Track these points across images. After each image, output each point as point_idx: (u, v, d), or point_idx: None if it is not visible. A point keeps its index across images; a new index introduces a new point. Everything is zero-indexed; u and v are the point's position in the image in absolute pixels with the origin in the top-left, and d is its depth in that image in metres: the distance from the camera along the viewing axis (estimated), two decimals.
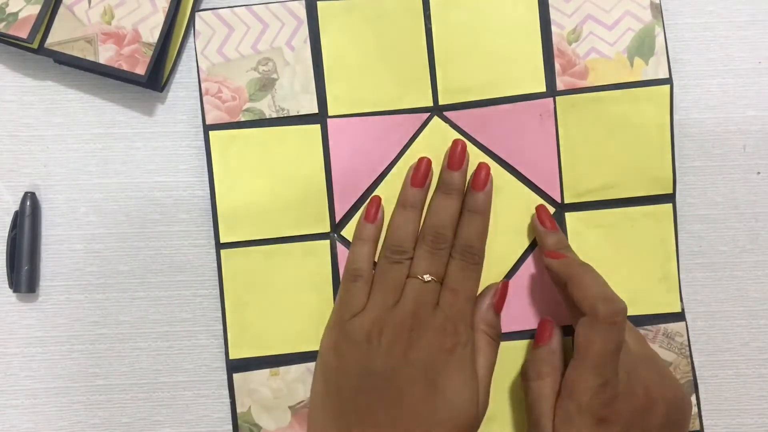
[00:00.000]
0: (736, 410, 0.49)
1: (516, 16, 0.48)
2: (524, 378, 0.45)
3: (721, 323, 0.49)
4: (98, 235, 0.49)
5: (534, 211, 0.48)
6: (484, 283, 0.47)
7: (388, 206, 0.48)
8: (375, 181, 0.48)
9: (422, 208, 0.47)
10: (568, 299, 0.44)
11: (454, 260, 0.45)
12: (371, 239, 0.47)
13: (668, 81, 0.48)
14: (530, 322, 0.48)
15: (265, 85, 0.48)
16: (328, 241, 0.48)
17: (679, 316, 0.48)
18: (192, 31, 0.48)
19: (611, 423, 0.40)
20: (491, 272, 0.48)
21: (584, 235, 0.48)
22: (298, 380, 0.48)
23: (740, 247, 0.49)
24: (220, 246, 0.48)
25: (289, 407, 0.48)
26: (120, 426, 0.48)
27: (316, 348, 0.47)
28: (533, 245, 0.48)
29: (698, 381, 0.48)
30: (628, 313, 0.44)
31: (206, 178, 0.48)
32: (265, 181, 0.48)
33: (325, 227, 0.48)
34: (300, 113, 0.48)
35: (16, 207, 0.48)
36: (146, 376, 0.48)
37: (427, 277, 0.45)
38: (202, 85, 0.48)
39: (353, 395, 0.44)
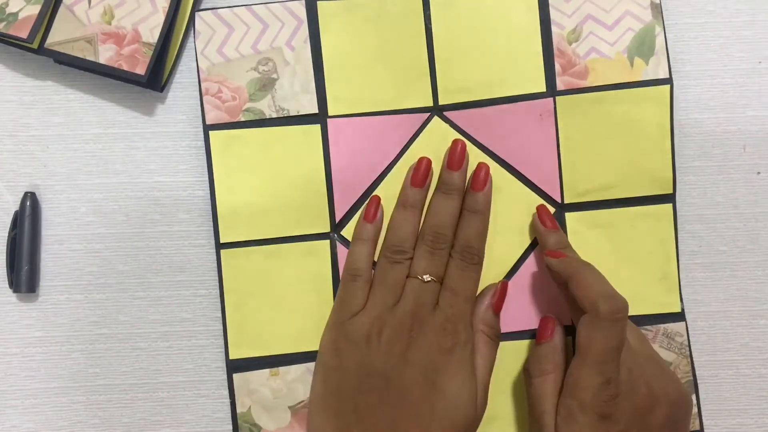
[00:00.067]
0: (736, 410, 0.49)
1: (516, 16, 0.48)
2: (526, 375, 0.45)
3: (721, 323, 0.49)
4: (98, 235, 0.49)
5: (534, 210, 0.48)
6: (484, 283, 0.47)
7: (388, 206, 0.48)
8: (375, 181, 0.48)
9: (422, 208, 0.47)
10: (569, 298, 0.44)
11: (454, 260, 0.46)
12: (371, 239, 0.47)
13: (668, 81, 0.48)
14: (531, 322, 0.48)
15: (265, 85, 0.48)
16: (328, 241, 0.48)
17: (679, 316, 0.48)
18: (192, 31, 0.48)
19: (613, 421, 0.40)
20: (491, 272, 0.48)
21: (584, 235, 0.48)
22: (298, 380, 0.48)
23: (740, 247, 0.49)
24: (220, 246, 0.48)
25: (289, 407, 0.48)
26: (120, 426, 0.48)
27: (316, 348, 0.47)
28: (533, 245, 0.48)
29: (698, 381, 0.48)
30: (628, 313, 0.44)
31: (206, 178, 0.48)
32: (265, 181, 0.48)
33: (325, 227, 0.48)
34: (300, 113, 0.48)
35: (16, 207, 0.48)
36: (146, 376, 0.48)
37: (426, 277, 0.45)
38: (202, 85, 0.48)
39: (353, 395, 0.44)
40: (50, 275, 0.49)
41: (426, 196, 0.47)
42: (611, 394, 0.40)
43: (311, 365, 0.48)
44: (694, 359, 0.48)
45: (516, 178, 0.48)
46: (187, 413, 0.49)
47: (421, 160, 0.47)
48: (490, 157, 0.48)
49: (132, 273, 0.49)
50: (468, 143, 0.48)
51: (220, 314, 0.48)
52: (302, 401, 0.48)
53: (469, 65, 0.48)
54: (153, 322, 0.48)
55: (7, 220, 0.48)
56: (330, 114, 0.48)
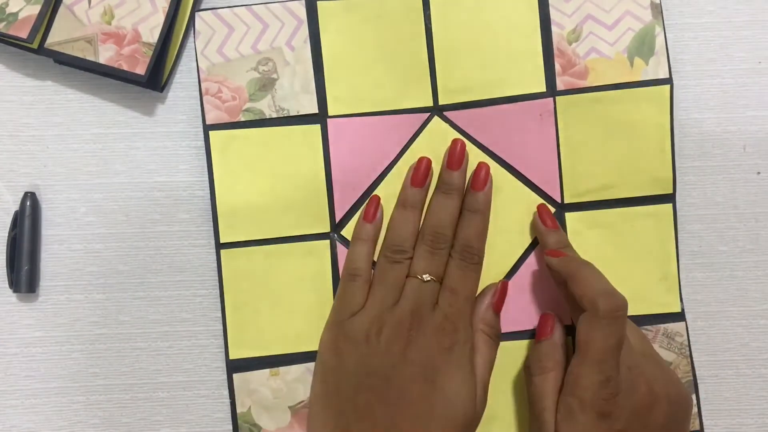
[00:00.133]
0: (735, 410, 0.49)
1: (516, 15, 0.48)
2: (527, 373, 0.45)
3: (721, 323, 0.49)
4: (98, 235, 0.49)
5: (534, 210, 0.48)
6: (484, 283, 0.47)
7: (389, 206, 0.48)
8: (375, 180, 0.48)
9: (422, 208, 0.47)
10: (569, 298, 0.44)
11: (454, 260, 0.46)
12: (370, 239, 0.47)
13: (668, 81, 0.48)
14: (531, 322, 0.48)
15: (265, 85, 0.48)
16: (328, 241, 0.48)
17: (679, 316, 0.48)
18: (192, 31, 0.48)
19: (613, 419, 0.40)
20: (492, 272, 0.48)
21: (584, 235, 0.48)
22: (298, 380, 0.48)
23: (740, 247, 0.49)
24: (220, 246, 0.48)
25: (289, 407, 0.48)
26: (120, 426, 0.48)
27: (316, 348, 0.47)
28: (534, 245, 0.48)
29: (698, 381, 0.48)
30: (628, 313, 0.44)
31: (206, 178, 0.48)
32: (265, 181, 0.48)
33: (325, 227, 0.48)
34: (300, 113, 0.48)
35: (16, 207, 0.48)
36: (146, 376, 0.48)
37: (426, 277, 0.45)
38: (202, 85, 0.48)
39: (352, 394, 0.44)
40: (50, 275, 0.49)
41: (426, 196, 0.47)
42: (611, 393, 0.40)
43: (311, 365, 0.48)
44: (694, 359, 0.48)
45: (516, 178, 0.48)
46: (187, 413, 0.49)
47: (420, 159, 0.47)
48: (490, 157, 0.48)
49: (132, 273, 0.49)
50: (468, 143, 0.48)
51: (220, 314, 0.48)
52: (302, 401, 0.48)
53: (469, 65, 0.48)
54: (153, 322, 0.48)
55: (7, 220, 0.48)
56: (330, 114, 0.48)
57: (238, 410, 0.48)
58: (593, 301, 0.41)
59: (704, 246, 0.49)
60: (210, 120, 0.48)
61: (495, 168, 0.48)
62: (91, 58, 0.46)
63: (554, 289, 0.47)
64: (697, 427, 0.48)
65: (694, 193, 0.49)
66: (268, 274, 0.48)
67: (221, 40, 0.48)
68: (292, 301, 0.48)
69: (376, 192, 0.48)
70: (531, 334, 0.48)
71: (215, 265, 0.48)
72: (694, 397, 0.48)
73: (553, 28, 0.48)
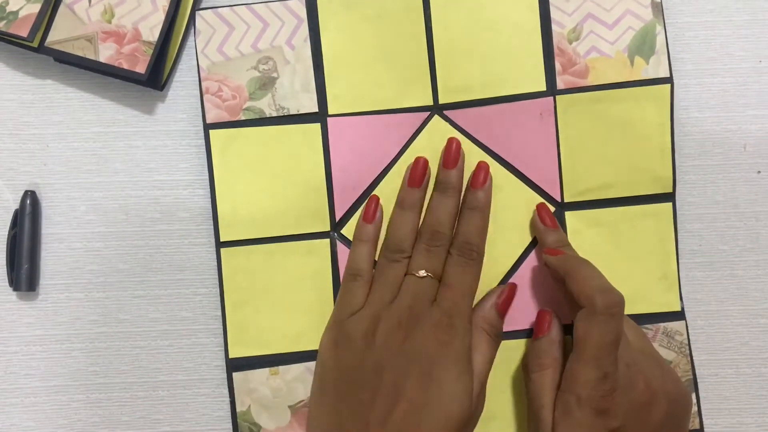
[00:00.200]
0: (735, 409, 0.49)
1: (516, 14, 0.48)
2: (525, 370, 0.45)
3: (721, 322, 0.49)
4: (98, 234, 0.49)
5: (534, 209, 0.48)
6: (483, 282, 0.47)
7: (389, 205, 0.48)
8: (375, 179, 0.48)
9: (420, 208, 0.47)
10: (568, 296, 0.44)
11: (452, 257, 0.46)
12: (371, 239, 0.47)
13: (669, 80, 0.48)
14: (530, 321, 0.48)
15: (266, 83, 0.48)
16: (328, 240, 0.48)
17: (679, 315, 0.48)
18: (192, 30, 0.48)
19: (611, 415, 0.40)
20: (491, 271, 0.48)
21: (584, 234, 0.48)
22: (298, 380, 0.48)
23: (740, 246, 0.49)
24: (220, 245, 0.48)
25: (289, 407, 0.48)
26: (120, 424, 0.48)
27: (316, 347, 0.47)
28: (533, 244, 0.48)
29: (698, 380, 0.48)
30: (628, 312, 0.44)
31: (206, 177, 0.48)
32: (265, 179, 0.48)
33: (325, 226, 0.48)
34: (300, 112, 0.48)
35: (16, 205, 0.48)
36: (146, 374, 0.48)
37: (422, 273, 0.45)
38: (203, 84, 0.48)
39: (349, 391, 0.44)
40: (50, 274, 0.49)
41: (424, 196, 0.47)
42: (608, 389, 0.40)
43: (311, 364, 0.48)
44: (693, 358, 0.48)
45: (516, 176, 0.48)
46: (187, 412, 0.49)
47: (417, 160, 0.47)
48: (491, 156, 0.48)
49: (132, 271, 0.49)
50: (468, 142, 0.48)
51: (219, 313, 0.48)
52: (302, 400, 0.48)
53: (470, 64, 0.48)
54: (153, 320, 0.48)
55: (7, 219, 0.48)
56: (330, 113, 0.48)
57: (238, 409, 0.48)
58: (590, 297, 0.41)
59: (704, 245, 0.49)
60: (210, 119, 0.48)
61: (495, 167, 0.48)
62: (91, 56, 0.46)
63: (553, 287, 0.47)
64: (697, 426, 0.48)
65: (695, 192, 0.49)
66: (268, 273, 0.48)
67: (221, 39, 0.48)
68: (292, 300, 0.48)
69: (376, 191, 0.48)
70: (530, 333, 0.48)
71: (215, 263, 0.48)
72: (693, 396, 0.48)
73: (554, 27, 0.48)
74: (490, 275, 0.48)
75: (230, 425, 0.48)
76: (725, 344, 0.49)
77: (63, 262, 0.49)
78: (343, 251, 0.48)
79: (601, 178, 0.48)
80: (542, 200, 0.48)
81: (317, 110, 0.48)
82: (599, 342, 0.40)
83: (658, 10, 0.48)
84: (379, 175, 0.48)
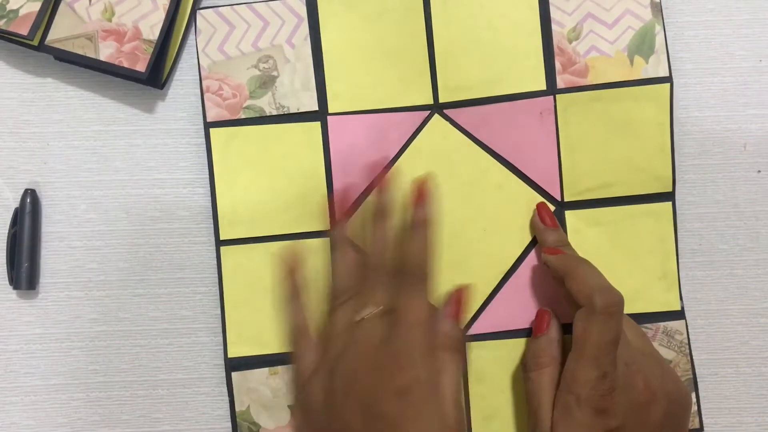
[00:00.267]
0: (735, 408, 0.49)
1: (516, 14, 0.48)
2: (524, 369, 0.45)
3: (721, 321, 0.49)
4: (98, 233, 0.49)
5: (534, 208, 0.48)
6: (484, 283, 0.47)
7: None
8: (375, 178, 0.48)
9: (351, 243, 0.44)
10: (567, 295, 0.44)
11: (399, 283, 0.42)
12: (298, 293, 0.44)
13: (668, 79, 0.48)
14: (531, 320, 0.48)
15: (266, 82, 0.48)
16: (328, 240, 0.48)
17: (679, 315, 0.48)
18: (192, 29, 0.48)
19: (610, 415, 0.40)
20: (492, 271, 0.48)
21: (584, 233, 0.48)
22: None
23: (740, 245, 0.49)
24: (220, 243, 0.48)
25: (288, 406, 0.48)
26: (119, 423, 0.48)
27: None
28: (534, 243, 0.48)
29: (698, 379, 0.48)
30: (628, 312, 0.44)
31: (206, 176, 0.48)
32: (265, 178, 0.48)
33: (325, 225, 0.48)
34: (300, 110, 0.48)
35: (16, 204, 0.48)
36: (146, 373, 0.48)
37: (367, 313, 0.41)
38: (203, 83, 0.48)
39: None
40: (50, 272, 0.49)
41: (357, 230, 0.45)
42: (607, 389, 0.40)
43: None
44: (693, 357, 0.48)
45: (516, 176, 0.48)
46: (187, 411, 0.48)
47: (337, 192, 0.46)
48: (491, 154, 0.48)
49: (132, 270, 0.49)
50: (468, 141, 0.48)
51: (219, 312, 0.48)
52: None
53: (470, 63, 0.48)
54: (153, 319, 0.48)
55: (8, 217, 0.48)
56: (330, 111, 0.48)
57: (237, 408, 0.48)
58: (589, 297, 0.41)
59: (704, 244, 0.49)
60: (211, 117, 0.48)
61: (495, 166, 0.48)
62: (91, 55, 0.46)
63: (553, 287, 0.47)
64: (697, 425, 0.48)
65: (694, 192, 0.49)
66: (268, 272, 0.48)
67: (222, 38, 0.48)
68: None
69: (376, 189, 0.48)
70: (529, 332, 0.48)
71: (215, 262, 0.48)
72: (693, 395, 0.48)
73: (554, 27, 0.48)
74: (491, 275, 0.48)
75: (230, 424, 0.48)
76: (725, 344, 0.49)
77: (63, 261, 0.49)
78: None
79: (601, 178, 0.48)
80: (542, 199, 0.48)
81: (317, 109, 0.48)
82: (598, 341, 0.40)
83: (658, 9, 0.48)
84: (379, 174, 0.48)
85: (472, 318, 0.48)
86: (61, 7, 0.47)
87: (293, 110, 0.48)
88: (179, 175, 0.49)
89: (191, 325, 0.49)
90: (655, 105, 0.48)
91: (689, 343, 0.48)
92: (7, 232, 0.48)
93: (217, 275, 0.48)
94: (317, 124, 0.48)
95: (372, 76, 0.48)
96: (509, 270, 0.48)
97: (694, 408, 0.48)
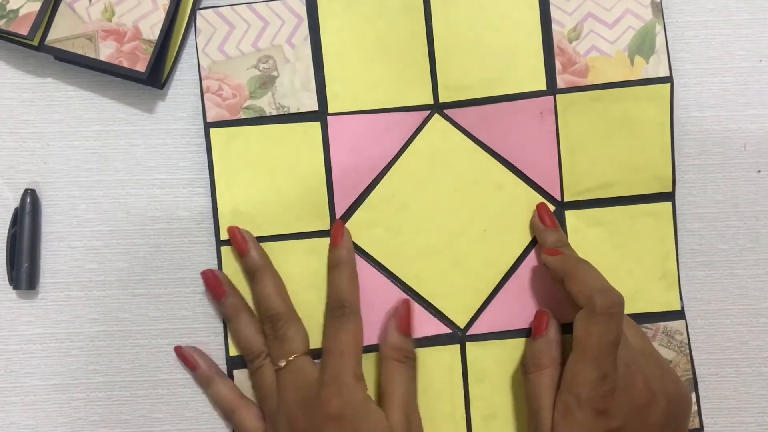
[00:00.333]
0: (735, 408, 0.49)
1: (517, 13, 0.48)
2: (523, 371, 0.45)
3: (721, 321, 0.49)
4: (98, 233, 0.49)
5: (534, 208, 0.48)
6: (484, 283, 0.47)
7: (386, 205, 0.48)
8: (375, 178, 0.48)
9: (245, 307, 0.47)
10: (567, 296, 0.44)
11: (326, 319, 0.46)
12: (214, 374, 0.47)
13: (669, 79, 0.48)
14: (531, 321, 0.48)
15: (266, 82, 0.48)
16: (327, 239, 0.48)
17: (679, 315, 0.48)
18: (192, 29, 0.48)
19: (611, 416, 0.40)
20: (492, 271, 0.48)
21: (584, 233, 0.48)
22: None
23: (740, 245, 0.49)
24: (220, 243, 0.48)
25: None
26: (120, 423, 0.48)
27: (316, 345, 0.47)
28: (534, 243, 0.48)
29: (698, 379, 0.48)
30: (628, 312, 0.44)
31: (206, 176, 0.48)
32: (265, 178, 0.48)
33: (325, 224, 0.48)
34: (300, 110, 0.48)
35: (16, 204, 0.48)
36: (146, 373, 0.48)
37: (282, 363, 0.45)
38: (203, 83, 0.48)
39: None
40: (50, 272, 0.49)
41: (240, 297, 0.47)
42: (608, 390, 0.40)
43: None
44: (693, 357, 0.48)
45: (516, 176, 0.48)
46: (187, 410, 0.48)
47: (205, 275, 0.47)
48: (491, 154, 0.48)
49: (132, 270, 0.49)
50: (468, 141, 0.48)
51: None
52: None
53: (470, 63, 0.48)
54: (153, 319, 0.48)
55: (7, 217, 0.48)
56: (330, 111, 0.48)
57: None
58: (589, 297, 0.41)
59: (704, 244, 0.49)
60: (211, 117, 0.48)
61: (495, 166, 0.48)
62: (91, 55, 0.46)
63: (553, 287, 0.47)
64: (697, 426, 0.48)
65: (694, 192, 0.49)
66: None
67: (222, 38, 0.48)
68: (291, 299, 0.48)
69: (376, 190, 0.48)
70: (530, 332, 0.48)
71: (215, 262, 0.48)
72: (693, 395, 0.48)
73: (554, 26, 0.48)
74: (490, 275, 0.48)
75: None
76: (725, 344, 0.49)
77: (63, 261, 0.49)
78: None
79: (601, 178, 0.48)
80: (542, 199, 0.48)
81: (317, 108, 0.48)
82: (599, 342, 0.40)
83: (658, 9, 0.48)
84: (379, 173, 0.48)
85: (472, 318, 0.48)
86: (61, 7, 0.47)
87: (293, 110, 0.48)
88: (179, 175, 0.49)
89: (191, 325, 0.49)
90: (656, 105, 0.48)
91: (689, 343, 0.48)
92: (7, 232, 0.48)
93: None
94: (317, 124, 0.48)
95: (372, 76, 0.48)
96: (509, 270, 0.48)
97: (694, 408, 0.48)
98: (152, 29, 0.47)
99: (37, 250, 0.48)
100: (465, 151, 0.48)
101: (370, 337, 0.47)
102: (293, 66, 0.48)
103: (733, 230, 0.49)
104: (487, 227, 0.48)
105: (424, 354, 0.47)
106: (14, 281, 0.48)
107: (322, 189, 0.48)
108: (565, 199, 0.48)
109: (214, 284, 0.47)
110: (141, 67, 0.46)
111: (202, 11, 0.48)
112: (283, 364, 0.45)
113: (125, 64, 0.46)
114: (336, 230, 0.47)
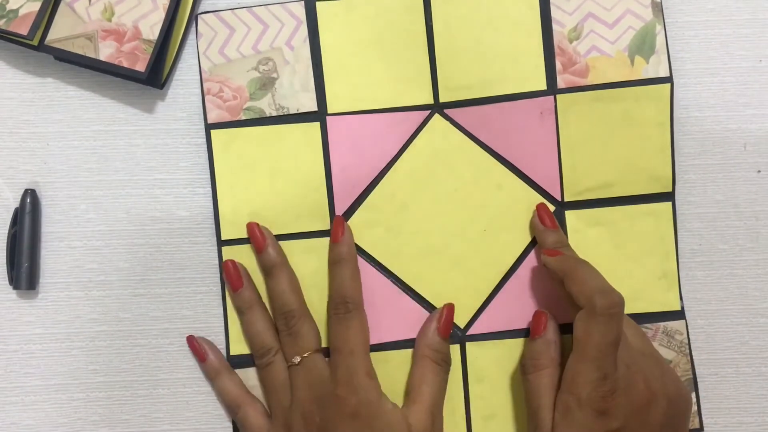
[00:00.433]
0: (735, 408, 0.49)
1: (517, 13, 0.48)
2: (522, 371, 0.45)
3: (721, 321, 0.49)
4: (98, 233, 0.49)
5: (534, 208, 0.48)
6: (484, 282, 0.47)
7: (385, 205, 0.48)
8: (375, 178, 0.48)
9: (259, 301, 0.47)
10: (567, 296, 0.44)
11: (330, 317, 0.46)
12: (222, 368, 0.47)
13: (669, 79, 0.48)
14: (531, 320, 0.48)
15: (266, 84, 0.48)
16: (327, 239, 0.48)
17: (679, 315, 0.48)
18: (192, 28, 0.48)
19: (611, 416, 0.40)
20: (492, 271, 0.48)
21: (584, 233, 0.48)
22: None
23: (740, 245, 0.49)
24: (221, 243, 0.48)
25: None
26: (120, 423, 0.48)
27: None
28: (534, 243, 0.48)
29: (698, 379, 0.48)
30: (628, 312, 0.44)
31: (206, 176, 0.48)
32: (265, 178, 0.48)
33: (325, 225, 0.48)
34: (300, 111, 0.48)
35: (16, 204, 0.48)
36: (146, 373, 0.48)
37: (297, 359, 0.45)
38: (204, 85, 0.48)
39: None
40: (50, 272, 0.49)
41: (255, 290, 0.47)
42: (608, 390, 0.40)
43: None
44: (693, 357, 0.48)
45: (516, 175, 0.48)
46: (187, 410, 0.48)
47: (226, 265, 0.47)
48: (491, 154, 0.48)
49: (132, 270, 0.49)
50: (468, 141, 0.48)
51: (220, 311, 0.48)
52: None
53: (470, 63, 0.48)
54: (153, 319, 0.48)
55: (7, 217, 0.48)
56: (330, 112, 0.48)
57: None
58: (590, 298, 0.41)
59: (704, 244, 0.49)
60: (212, 119, 0.48)
61: (495, 166, 0.48)
62: (91, 55, 0.46)
63: (553, 287, 0.47)
64: (697, 426, 0.48)
65: (694, 192, 0.49)
66: None
67: (223, 41, 0.48)
68: None
69: (376, 190, 0.48)
70: (529, 332, 0.48)
71: (215, 262, 0.48)
72: (693, 395, 0.48)
73: (554, 26, 0.48)
74: (490, 275, 0.48)
75: (230, 423, 0.48)
76: (725, 344, 0.49)
77: (63, 261, 0.49)
78: None
79: (602, 178, 0.48)
80: (542, 200, 0.48)
81: (317, 109, 0.48)
82: (599, 343, 0.40)
83: (658, 9, 0.48)
84: (379, 173, 0.48)
85: (472, 318, 0.48)
86: (61, 7, 0.47)
87: (293, 111, 0.48)
88: (179, 175, 0.49)
89: (192, 324, 0.49)
90: (656, 105, 0.48)
91: (689, 343, 0.48)
92: (7, 232, 0.48)
93: (217, 275, 0.48)
94: (317, 125, 0.48)
95: (372, 76, 0.48)
96: (509, 270, 0.48)
97: (694, 408, 0.48)
98: (152, 29, 0.47)
99: (37, 250, 0.48)
100: (465, 151, 0.48)
101: (371, 337, 0.47)
102: (293, 67, 0.48)
103: (733, 230, 0.49)
104: (487, 227, 0.48)
105: None
106: (14, 281, 0.48)
107: (322, 189, 0.48)
108: (565, 199, 0.48)
109: (234, 274, 0.47)
110: (141, 67, 0.46)
111: (203, 15, 0.48)
112: (297, 360, 0.45)
113: (125, 64, 0.46)
114: (336, 226, 0.47)
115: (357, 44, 0.48)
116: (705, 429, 0.49)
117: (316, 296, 0.48)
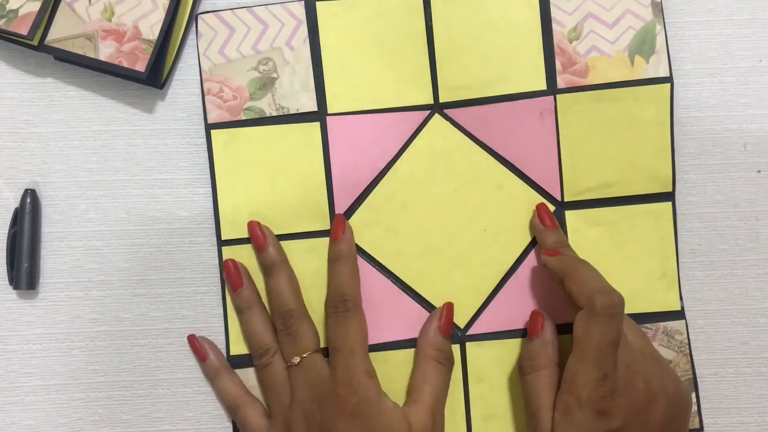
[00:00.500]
0: (735, 408, 0.49)
1: (517, 13, 0.48)
2: (520, 372, 0.45)
3: (721, 321, 0.49)
4: (98, 233, 0.49)
5: (534, 208, 0.48)
6: (484, 282, 0.47)
7: (385, 205, 0.48)
8: (375, 178, 0.48)
9: (258, 301, 0.47)
10: (567, 296, 0.44)
11: (329, 316, 0.45)
12: (222, 368, 0.47)
13: (669, 79, 0.48)
14: None
15: (266, 84, 0.48)
16: (327, 239, 0.48)
17: (679, 315, 0.48)
18: (192, 28, 0.48)
19: (611, 416, 0.40)
20: (491, 271, 0.48)
21: (584, 233, 0.48)
22: None
23: (740, 245, 0.49)
24: (221, 243, 0.48)
25: None
26: (120, 423, 0.48)
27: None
28: (534, 243, 0.48)
29: (698, 379, 0.48)
30: (628, 312, 0.44)
31: (206, 176, 0.48)
32: (265, 178, 0.48)
33: (325, 224, 0.48)
34: (300, 111, 0.48)
35: (16, 204, 0.48)
36: (146, 373, 0.48)
37: (296, 360, 0.45)
38: (204, 85, 0.48)
39: None
40: (50, 272, 0.49)
41: (255, 290, 0.47)
42: (608, 390, 0.40)
43: None
44: (693, 357, 0.48)
45: (516, 176, 0.48)
46: (187, 410, 0.48)
47: (227, 264, 0.47)
48: (491, 154, 0.48)
49: (132, 270, 0.49)
50: (468, 141, 0.48)
51: (220, 311, 0.48)
52: None
53: (470, 63, 0.48)
54: (153, 319, 0.48)
55: (7, 217, 0.48)
56: (330, 112, 0.48)
57: None
58: (590, 298, 0.41)
59: (704, 244, 0.49)
60: (212, 119, 0.48)
61: (495, 166, 0.48)
62: (91, 55, 0.46)
63: (553, 287, 0.47)
64: (697, 426, 0.48)
65: (694, 192, 0.49)
66: None
67: (223, 41, 0.48)
68: None
69: (376, 190, 0.48)
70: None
71: (215, 262, 0.48)
72: (693, 395, 0.48)
73: (554, 26, 0.48)
74: (490, 275, 0.48)
75: (230, 423, 0.48)
76: (725, 344, 0.49)
77: (63, 261, 0.49)
78: None
79: (602, 178, 0.48)
80: (542, 200, 0.48)
81: (317, 109, 0.48)
82: (599, 343, 0.40)
83: (658, 9, 0.48)
84: (379, 173, 0.48)
85: (472, 318, 0.48)
86: (61, 7, 0.47)
87: (293, 111, 0.48)
88: (179, 175, 0.49)
89: (192, 324, 0.49)
90: (656, 105, 0.48)
91: (689, 343, 0.48)
92: (7, 232, 0.48)
93: (217, 275, 0.48)
94: (317, 125, 0.48)
95: (372, 76, 0.48)
96: (509, 270, 0.48)
97: (694, 408, 0.48)
98: (152, 29, 0.47)
99: (37, 250, 0.48)
100: (465, 151, 0.48)
101: (370, 337, 0.47)
102: (292, 67, 0.48)
103: (733, 230, 0.49)
104: (487, 227, 0.48)
105: None
106: (14, 281, 0.48)
107: (322, 189, 0.48)
108: (565, 199, 0.48)
109: (234, 274, 0.47)
110: (141, 67, 0.46)
111: (202, 15, 0.48)
112: (296, 361, 0.45)
113: (125, 64, 0.46)
114: (337, 224, 0.47)
115: (357, 44, 0.48)
116: (705, 429, 0.49)
117: (315, 296, 0.48)
